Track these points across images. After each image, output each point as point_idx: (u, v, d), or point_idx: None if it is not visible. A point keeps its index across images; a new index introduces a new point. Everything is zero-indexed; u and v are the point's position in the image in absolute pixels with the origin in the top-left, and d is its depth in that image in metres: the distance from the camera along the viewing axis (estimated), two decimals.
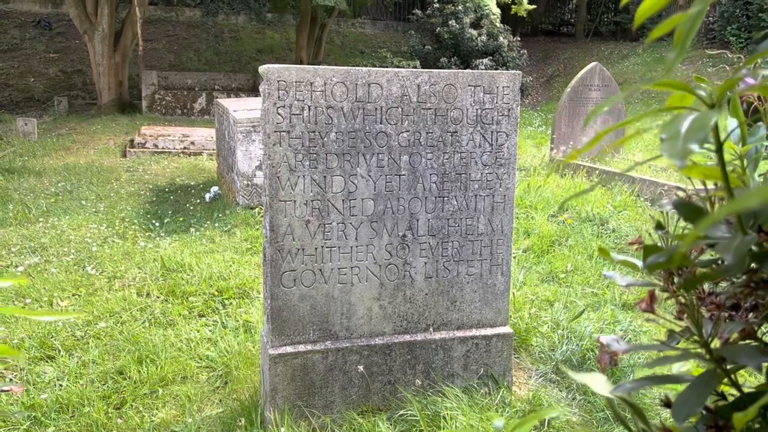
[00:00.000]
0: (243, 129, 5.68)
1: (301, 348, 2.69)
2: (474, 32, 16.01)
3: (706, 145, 0.69)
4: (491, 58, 16.05)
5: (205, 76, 14.98)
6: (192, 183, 7.91)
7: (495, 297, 2.94)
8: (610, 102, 0.72)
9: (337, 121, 2.61)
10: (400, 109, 2.68)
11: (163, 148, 9.75)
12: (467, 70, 2.76)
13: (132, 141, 10.11)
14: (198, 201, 6.88)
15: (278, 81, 2.51)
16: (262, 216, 5.80)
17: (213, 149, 9.49)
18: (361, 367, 2.71)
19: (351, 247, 2.71)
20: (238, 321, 3.85)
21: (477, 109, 2.77)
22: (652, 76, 15.97)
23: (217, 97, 13.80)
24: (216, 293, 4.20)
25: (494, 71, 2.78)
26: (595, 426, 2.83)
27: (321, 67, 2.57)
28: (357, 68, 2.62)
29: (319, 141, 2.60)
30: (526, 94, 17.68)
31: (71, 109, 14.55)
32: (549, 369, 3.33)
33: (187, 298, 4.17)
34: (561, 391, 3.16)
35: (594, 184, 1.38)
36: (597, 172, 7.31)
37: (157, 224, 5.87)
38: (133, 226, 5.82)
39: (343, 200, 2.67)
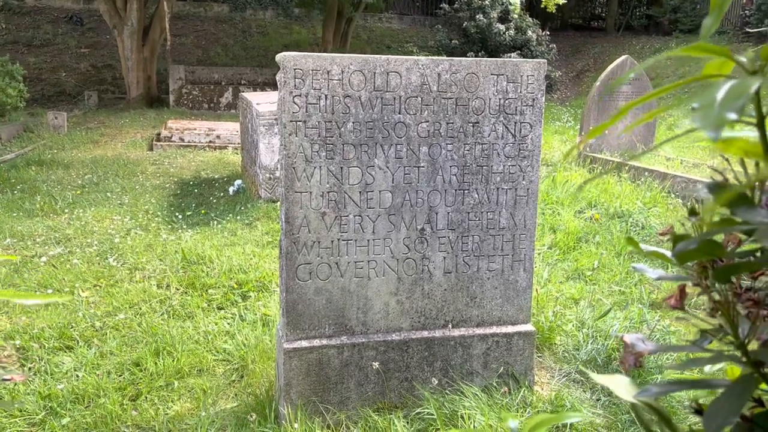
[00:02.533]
0: (265, 122, 5.65)
1: (316, 342, 2.64)
2: (502, 27, 15.80)
3: (746, 119, 0.61)
4: (519, 52, 15.84)
5: (232, 71, 15.05)
6: (216, 176, 7.93)
7: (517, 294, 2.84)
8: (642, 99, 0.64)
9: (355, 110, 2.54)
10: (419, 99, 2.60)
11: (189, 142, 9.80)
12: (490, 59, 2.66)
13: (159, 135, 10.18)
14: (221, 194, 6.88)
15: (294, 69, 2.45)
16: None
17: (238, 143, 9.51)
18: (376, 364, 2.64)
19: (368, 241, 2.64)
20: (256, 314, 3.81)
21: (500, 99, 2.68)
22: (685, 71, 15.59)
23: (243, 92, 13.86)
24: (236, 286, 4.17)
25: (518, 59, 2.68)
26: (620, 429, 2.72)
27: (338, 55, 2.50)
28: (375, 56, 2.54)
29: (336, 131, 2.54)
30: (555, 89, 17.42)
31: (101, 103, 14.74)
32: (573, 369, 3.22)
33: (206, 290, 4.15)
34: (585, 391, 3.06)
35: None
36: (627, 167, 7.13)
37: (180, 217, 5.87)
38: (156, 219, 5.84)
39: (360, 192, 2.60)
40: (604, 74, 8.15)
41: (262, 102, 6.08)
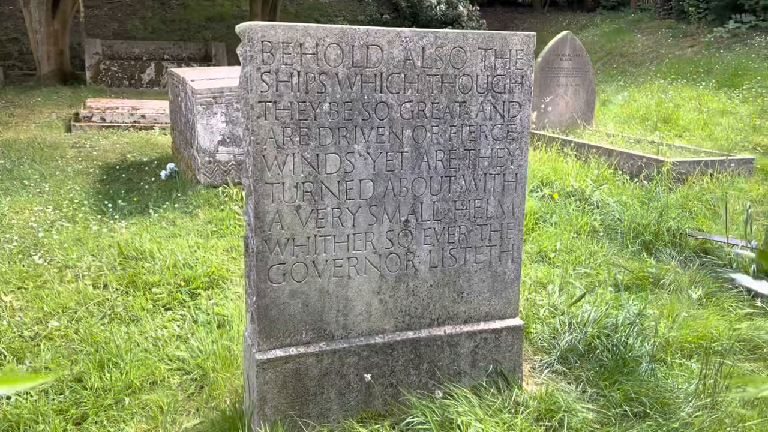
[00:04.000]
0: (203, 101, 5.21)
1: (293, 351, 2.35)
2: (433, 0, 15.60)
3: None
4: (451, 27, 15.69)
5: (153, 46, 14.18)
6: (145, 159, 7.38)
7: (505, 286, 2.65)
8: None
9: (332, 89, 2.25)
10: (402, 76, 2.33)
11: (111, 122, 9.11)
12: (477, 31, 2.42)
13: (77, 114, 9.42)
14: (153, 179, 6.38)
15: (263, 42, 2.12)
16: (226, 196, 5.38)
17: (166, 123, 8.91)
18: (368, 376, 2.39)
19: (348, 236, 2.37)
20: (209, 315, 3.47)
21: (488, 76, 2.44)
22: (612, 47, 15.91)
23: (167, 68, 13.09)
24: (182, 283, 3.80)
25: (507, 32, 2.45)
26: (614, 423, 2.60)
27: (312, 25, 2.19)
28: (354, 27, 2.25)
29: (311, 113, 2.24)
30: None
31: (7, 81, 13.57)
32: (554, 359, 3.08)
33: (150, 289, 3.76)
34: (570, 383, 2.92)
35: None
36: (572, 144, 7.10)
37: (110, 206, 5.37)
38: (83, 208, 5.31)
39: (338, 182, 2.32)
40: (545, 50, 8.09)
41: (198, 78, 5.62)
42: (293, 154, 2.24)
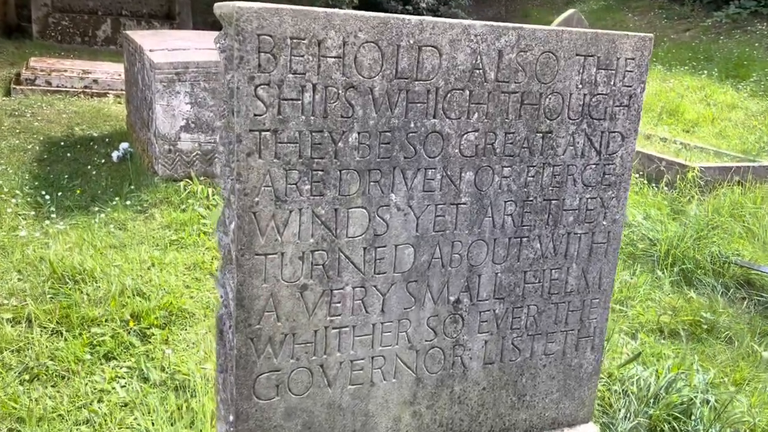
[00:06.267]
0: (163, 77, 4.31)
1: None
2: None
3: None
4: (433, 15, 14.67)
5: None
6: (95, 134, 6.41)
7: (579, 383, 1.92)
8: None
9: (363, 112, 1.45)
10: (466, 93, 1.54)
11: (58, 87, 8.03)
12: (575, 30, 1.63)
13: (18, 76, 8.29)
14: (103, 161, 5.45)
15: (260, 36, 1.31)
16: (189, 193, 4.50)
17: (121, 90, 7.88)
18: None
19: (373, 326, 1.60)
20: (165, 370, 2.68)
21: (584, 95, 1.67)
22: (602, 27, 15.20)
23: (125, 25, 11.89)
24: (131, 321, 2.98)
25: (613, 32, 1.68)
26: None
27: (337, 11, 1.37)
28: (400, 17, 1.44)
29: (330, 148, 1.44)
30: None
31: None
32: None
33: (88, 327, 2.93)
34: None
35: None
36: None
37: (48, 198, 4.45)
38: (13, 201, 4.39)
39: (365, 249, 1.54)
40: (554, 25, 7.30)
41: (157, 48, 4.69)
42: (300, 209, 1.44)
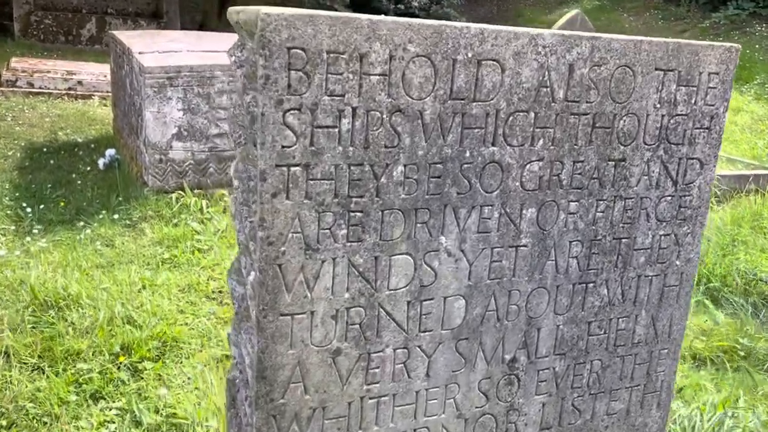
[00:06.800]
0: (154, 82, 4.01)
1: None
2: None
3: None
4: (425, 14, 14.38)
5: None
6: (80, 140, 6.09)
7: None
8: None
9: (410, 141, 1.19)
10: (531, 116, 1.28)
11: (41, 88, 7.69)
12: (653, 39, 1.38)
13: None
14: (89, 168, 5.14)
15: (290, 49, 1.04)
16: (181, 206, 4.21)
17: (107, 91, 7.55)
18: None
19: (416, 393, 1.34)
20: (159, 412, 2.40)
21: (662, 116, 1.42)
22: (597, 27, 15.02)
23: (110, 24, 11.53)
24: (121, 354, 2.69)
25: (698, 43, 1.43)
26: None
27: (383, 18, 1.11)
28: (456, 25, 1.18)
29: (371, 184, 1.18)
30: None
31: None
32: None
33: (73, 362, 2.65)
34: None
35: None
36: None
37: (30, 211, 4.15)
38: None
39: (408, 303, 1.28)
40: (556, 27, 7.09)
41: (147, 51, 4.40)
42: (334, 259, 1.18)
